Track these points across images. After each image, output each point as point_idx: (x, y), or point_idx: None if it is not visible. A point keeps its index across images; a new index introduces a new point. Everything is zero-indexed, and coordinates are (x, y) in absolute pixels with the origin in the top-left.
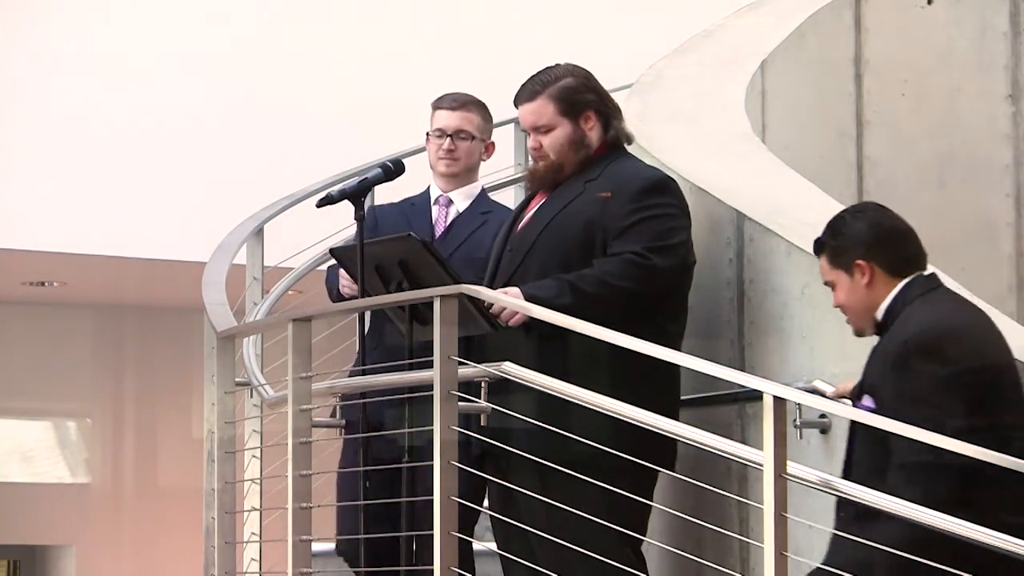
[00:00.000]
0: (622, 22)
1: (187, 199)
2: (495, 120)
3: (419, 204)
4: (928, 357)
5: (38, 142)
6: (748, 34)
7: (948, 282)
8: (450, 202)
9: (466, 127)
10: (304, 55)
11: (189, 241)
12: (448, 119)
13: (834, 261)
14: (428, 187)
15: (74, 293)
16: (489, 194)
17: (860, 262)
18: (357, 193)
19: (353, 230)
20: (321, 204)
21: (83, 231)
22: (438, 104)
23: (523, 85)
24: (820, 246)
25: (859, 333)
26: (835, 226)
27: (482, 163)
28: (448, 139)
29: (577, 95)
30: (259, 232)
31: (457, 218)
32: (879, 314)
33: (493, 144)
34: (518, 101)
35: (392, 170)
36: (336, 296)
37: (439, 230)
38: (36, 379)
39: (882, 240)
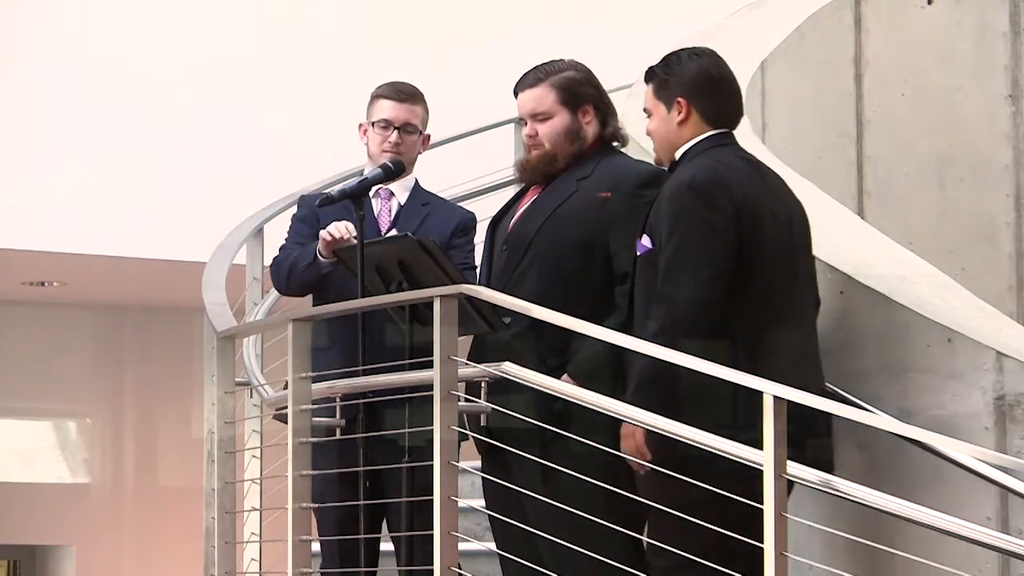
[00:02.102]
0: (622, 22)
1: (187, 199)
2: (492, 121)
3: None
4: (699, 198)
5: (38, 142)
6: (748, 34)
7: (745, 142)
8: (391, 194)
9: (413, 120)
10: (304, 55)
11: (189, 241)
12: (395, 111)
13: (657, 92)
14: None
15: (74, 293)
16: (488, 194)
17: (680, 100)
18: (357, 193)
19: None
20: (321, 204)
21: (83, 231)
22: (383, 94)
23: (526, 73)
24: (650, 74)
25: (658, 163)
26: (668, 60)
27: (481, 163)
28: (395, 132)
29: (579, 87)
30: (259, 232)
31: (400, 211)
32: (678, 154)
33: (429, 136)
34: (519, 88)
35: (392, 170)
36: (286, 276)
37: (384, 223)
38: (36, 379)
39: (706, 87)
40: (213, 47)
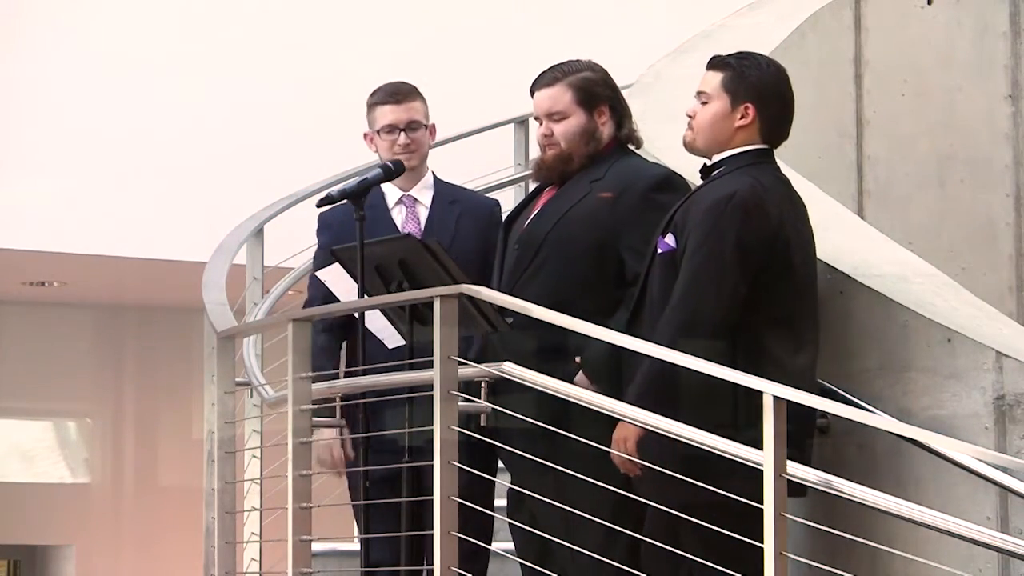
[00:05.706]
0: (622, 22)
1: (187, 199)
2: (494, 121)
3: (377, 207)
4: (736, 216)
5: (38, 142)
6: (748, 34)
7: (779, 162)
8: (415, 201)
9: (416, 117)
10: (305, 55)
11: (189, 241)
12: (396, 114)
13: (728, 86)
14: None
15: (74, 293)
16: (489, 194)
17: (749, 106)
18: (357, 193)
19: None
20: (321, 204)
21: (83, 231)
22: (380, 100)
23: (543, 72)
24: (723, 64)
25: (690, 148)
26: (745, 59)
27: (481, 163)
28: (401, 134)
29: (595, 88)
30: (259, 232)
31: (430, 218)
32: (716, 156)
33: (434, 125)
34: (536, 87)
35: (392, 170)
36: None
37: (412, 233)
38: (36, 379)
39: (775, 103)
40: (213, 46)
